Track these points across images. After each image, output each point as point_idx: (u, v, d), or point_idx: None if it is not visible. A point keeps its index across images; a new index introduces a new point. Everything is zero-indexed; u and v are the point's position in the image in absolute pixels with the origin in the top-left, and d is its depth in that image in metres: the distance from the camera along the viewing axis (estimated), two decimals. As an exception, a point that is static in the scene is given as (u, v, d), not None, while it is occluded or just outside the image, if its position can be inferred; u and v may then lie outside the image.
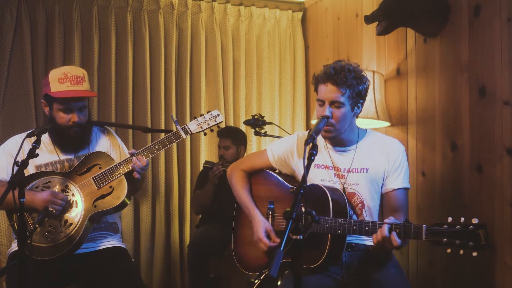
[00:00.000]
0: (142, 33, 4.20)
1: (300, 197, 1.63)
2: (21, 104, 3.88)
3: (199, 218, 4.07)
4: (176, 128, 2.60)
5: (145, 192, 4.17)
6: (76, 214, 2.49)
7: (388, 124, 3.51)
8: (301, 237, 1.59)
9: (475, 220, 1.90)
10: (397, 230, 2.03)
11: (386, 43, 3.63)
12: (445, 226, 1.93)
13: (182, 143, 4.30)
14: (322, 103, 2.33)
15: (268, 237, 2.42)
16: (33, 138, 2.24)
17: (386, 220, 2.07)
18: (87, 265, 2.54)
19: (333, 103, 2.29)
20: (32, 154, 2.13)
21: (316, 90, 2.40)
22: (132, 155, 2.55)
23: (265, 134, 3.55)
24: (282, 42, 4.65)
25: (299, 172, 2.50)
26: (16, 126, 3.83)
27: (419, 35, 3.29)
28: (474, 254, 1.88)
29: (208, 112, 2.66)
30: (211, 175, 3.78)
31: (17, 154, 2.13)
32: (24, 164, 2.07)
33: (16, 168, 2.05)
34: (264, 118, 3.52)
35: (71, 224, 2.47)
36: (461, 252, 1.91)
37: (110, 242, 2.66)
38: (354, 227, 2.12)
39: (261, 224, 2.44)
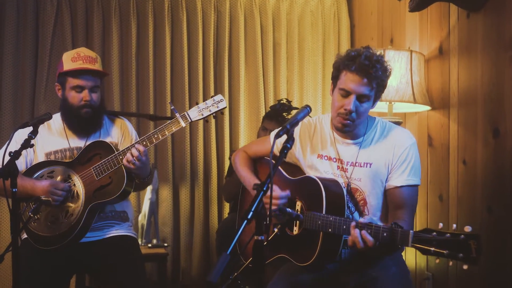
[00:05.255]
0: (179, 17, 4.16)
1: (262, 194, 1.50)
2: (62, 91, 3.99)
3: (230, 205, 4.02)
4: (175, 116, 2.53)
5: (184, 177, 4.17)
6: (77, 204, 2.50)
7: (428, 108, 3.23)
8: (263, 237, 1.47)
9: (467, 229, 1.68)
10: (369, 231, 1.85)
11: (428, 20, 3.33)
12: (434, 233, 1.72)
13: (221, 126, 4.25)
14: (346, 94, 2.12)
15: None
16: (28, 129, 2.25)
17: (361, 220, 1.90)
18: (91, 254, 2.56)
19: (361, 97, 2.12)
20: (26, 144, 2.15)
21: (336, 76, 2.18)
22: (132, 146, 2.50)
23: (291, 120, 3.38)
24: (326, 21, 4.42)
25: (303, 161, 2.35)
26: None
27: (462, 10, 2.98)
28: (465, 267, 1.65)
29: (211, 97, 2.55)
30: None
31: (7, 145, 2.15)
32: (16, 154, 2.08)
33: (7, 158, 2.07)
34: (292, 103, 3.36)
35: (72, 214, 2.49)
36: (450, 263, 1.69)
37: (118, 231, 2.65)
38: (344, 227, 1.94)
39: None
